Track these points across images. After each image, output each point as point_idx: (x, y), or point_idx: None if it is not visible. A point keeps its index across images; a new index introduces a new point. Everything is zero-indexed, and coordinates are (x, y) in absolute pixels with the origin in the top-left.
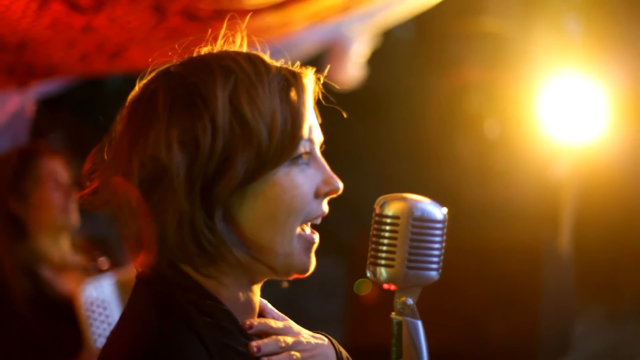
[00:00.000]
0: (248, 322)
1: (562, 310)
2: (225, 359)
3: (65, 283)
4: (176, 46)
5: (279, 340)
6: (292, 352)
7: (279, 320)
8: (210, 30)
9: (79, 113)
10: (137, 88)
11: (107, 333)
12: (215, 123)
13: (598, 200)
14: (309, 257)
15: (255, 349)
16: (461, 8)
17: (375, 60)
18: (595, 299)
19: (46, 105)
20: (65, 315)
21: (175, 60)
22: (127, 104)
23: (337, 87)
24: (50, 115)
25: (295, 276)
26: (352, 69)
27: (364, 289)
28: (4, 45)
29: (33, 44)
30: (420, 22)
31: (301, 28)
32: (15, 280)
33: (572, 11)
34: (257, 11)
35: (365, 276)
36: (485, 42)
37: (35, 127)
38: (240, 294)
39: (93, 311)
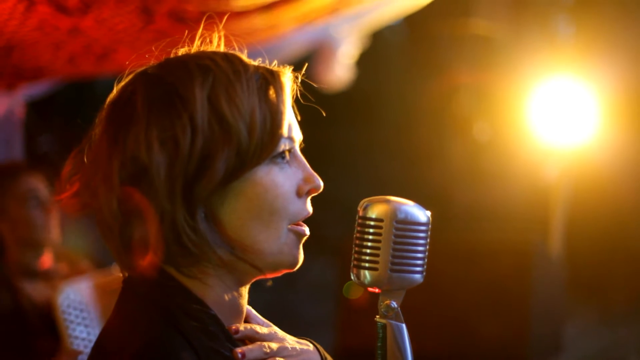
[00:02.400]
0: (234, 327)
1: (552, 312)
2: None
3: (46, 293)
4: (153, 48)
5: (263, 346)
6: (277, 358)
7: (263, 326)
8: (187, 32)
9: (68, 115)
10: (115, 90)
11: (84, 335)
12: (194, 122)
13: (589, 203)
14: (298, 251)
15: (239, 355)
16: (451, 10)
17: (366, 62)
18: (586, 301)
19: (35, 107)
20: (45, 326)
21: (153, 62)
22: (105, 106)
23: (325, 88)
24: (39, 117)
25: (283, 272)
26: (340, 70)
27: (353, 292)
28: None
29: (20, 46)
30: (411, 24)
31: (289, 30)
32: None
33: (562, 13)
34: (245, 13)
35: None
36: (476, 44)
37: (25, 130)
38: (226, 296)
39: (70, 313)
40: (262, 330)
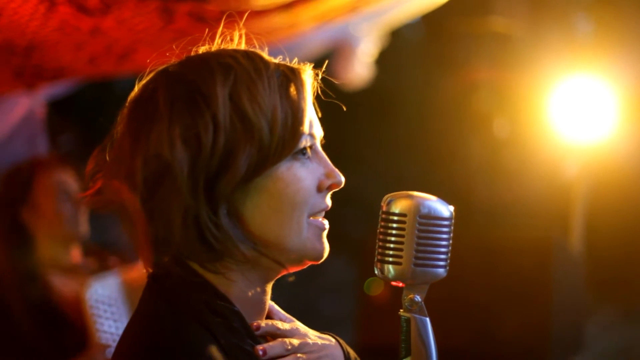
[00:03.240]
0: (255, 324)
1: (574, 309)
2: (236, 358)
3: (75, 288)
4: (174, 47)
5: (285, 343)
6: (299, 355)
7: (286, 322)
8: (207, 30)
9: (88, 115)
10: (136, 88)
11: (112, 330)
12: (217, 120)
13: (609, 199)
14: (321, 243)
15: (261, 352)
16: (470, 7)
17: (385, 60)
18: (607, 298)
19: (55, 107)
20: (74, 320)
21: (174, 60)
22: (127, 104)
23: (345, 86)
24: (60, 117)
25: (309, 264)
26: (360, 68)
27: (374, 289)
28: (12, 48)
29: (41, 46)
30: (429, 21)
31: (309, 28)
32: (22, 288)
33: (582, 11)
34: (265, 12)
35: (374, 276)
36: (495, 41)
37: (46, 129)
38: (249, 292)
39: (98, 308)
40: (283, 326)
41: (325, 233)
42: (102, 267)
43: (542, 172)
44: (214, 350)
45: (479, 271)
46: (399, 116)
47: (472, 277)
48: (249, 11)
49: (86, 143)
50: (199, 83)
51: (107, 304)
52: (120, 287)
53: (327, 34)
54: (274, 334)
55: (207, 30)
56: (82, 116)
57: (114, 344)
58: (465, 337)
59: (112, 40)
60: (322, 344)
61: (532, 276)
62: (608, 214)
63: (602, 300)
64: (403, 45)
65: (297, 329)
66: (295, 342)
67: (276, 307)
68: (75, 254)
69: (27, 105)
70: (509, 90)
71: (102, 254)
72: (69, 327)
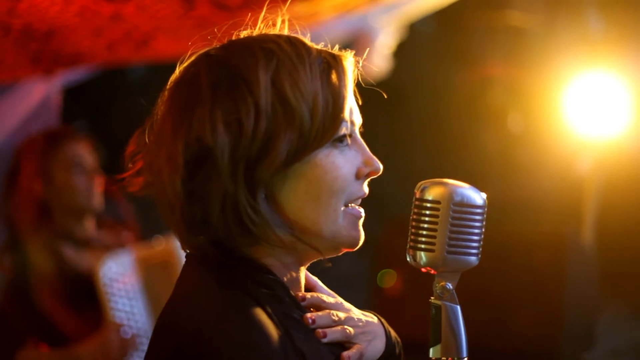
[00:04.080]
0: (301, 294)
1: (586, 304)
2: (286, 327)
3: (89, 261)
4: (209, 37)
5: (332, 314)
6: (345, 327)
7: (330, 297)
8: (250, 14)
9: (101, 102)
10: (177, 71)
11: (126, 308)
12: (259, 105)
13: (622, 195)
14: (357, 231)
15: (310, 321)
16: (486, 2)
17: (399, 53)
18: (619, 294)
19: (69, 94)
20: (87, 293)
21: (215, 44)
22: (168, 87)
23: (363, 78)
24: (74, 103)
25: (344, 251)
26: (379, 60)
27: (387, 282)
28: (31, 33)
29: (60, 32)
30: (444, 15)
31: (329, 18)
32: (38, 259)
33: (596, 6)
34: (286, 0)
35: (388, 268)
36: (509, 36)
37: (61, 115)
38: (286, 274)
39: (112, 286)
40: (328, 299)
41: (361, 221)
42: (116, 242)
43: (555, 167)
44: (263, 316)
45: (490, 266)
46: (413, 111)
47: (484, 273)
48: None
49: (98, 130)
50: (241, 68)
51: (121, 281)
52: (134, 265)
53: (347, 24)
54: (319, 306)
55: (228, 17)
56: (95, 103)
57: (128, 323)
58: (477, 331)
59: (132, 27)
60: (365, 320)
61: (545, 271)
62: (621, 209)
63: (614, 296)
64: (418, 38)
65: (341, 303)
66: (342, 315)
67: (320, 282)
68: (89, 227)
69: (44, 90)
70: (523, 85)
71: (116, 229)
72: (83, 299)
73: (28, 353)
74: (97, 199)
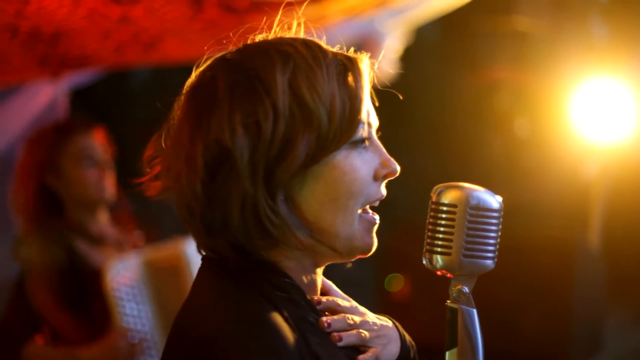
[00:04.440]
0: (317, 298)
1: (594, 309)
2: (302, 331)
3: (100, 256)
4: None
5: (347, 318)
6: (360, 331)
7: (345, 301)
8: (265, 18)
9: (104, 105)
10: (193, 75)
11: (134, 312)
12: (277, 107)
13: (628, 199)
14: (371, 238)
15: (326, 324)
16: (492, 7)
17: (406, 58)
18: (626, 299)
19: (77, 95)
20: (98, 290)
21: (231, 48)
22: (185, 90)
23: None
24: (81, 106)
25: (358, 257)
26: (386, 64)
27: (394, 286)
28: (39, 36)
29: (68, 34)
30: (451, 20)
31: (336, 22)
32: (51, 253)
33: (602, 11)
34: (296, 3)
35: (394, 272)
36: (515, 41)
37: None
38: (304, 278)
39: (120, 290)
40: (343, 303)
41: (375, 227)
42: (126, 240)
43: (561, 172)
44: (279, 320)
45: (498, 270)
46: (419, 115)
47: (492, 277)
48: (279, 2)
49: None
50: (258, 70)
51: (129, 285)
52: (143, 269)
53: (354, 28)
54: (334, 310)
55: (236, 20)
56: (98, 106)
57: (136, 327)
58: (485, 334)
59: (140, 29)
60: (380, 324)
61: (552, 275)
62: (627, 214)
63: (622, 299)
64: (425, 43)
65: (356, 307)
66: (357, 318)
67: (334, 286)
68: (103, 221)
69: (51, 93)
70: (529, 90)
71: (129, 226)
72: (92, 296)
73: (34, 348)
74: (109, 191)
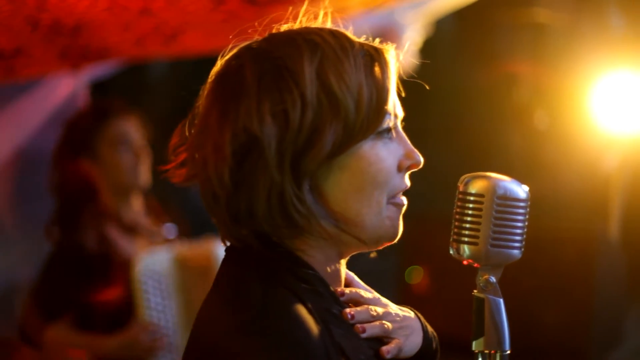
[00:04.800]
0: (340, 290)
1: (615, 302)
2: (326, 322)
3: (130, 246)
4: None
5: (370, 309)
6: (384, 322)
7: (367, 292)
8: (291, 8)
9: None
10: (219, 64)
11: (159, 307)
12: (304, 96)
13: None
14: (398, 223)
15: (349, 316)
16: None
17: (425, 50)
18: None
19: (97, 88)
20: (124, 278)
21: (256, 38)
22: (211, 79)
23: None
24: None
25: (385, 244)
26: (406, 56)
27: (415, 278)
28: (59, 28)
29: (88, 27)
30: (470, 12)
31: (356, 13)
32: (81, 237)
33: (622, 3)
34: None
35: (414, 265)
36: (535, 33)
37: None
38: (328, 267)
39: (147, 284)
40: (366, 294)
41: (403, 210)
42: (158, 231)
43: (582, 164)
44: (304, 312)
45: (520, 263)
46: (438, 108)
47: (513, 269)
48: None
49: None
50: (285, 60)
51: (156, 280)
52: (172, 265)
53: (374, 20)
54: (357, 302)
55: (257, 13)
56: (118, 98)
57: (160, 322)
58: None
59: (161, 21)
60: (403, 315)
61: (574, 267)
62: None
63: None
64: (444, 36)
65: (378, 298)
66: (380, 310)
67: (356, 278)
68: (136, 208)
69: (71, 86)
70: (549, 82)
71: (161, 217)
72: (119, 285)
73: (56, 332)
74: (144, 177)
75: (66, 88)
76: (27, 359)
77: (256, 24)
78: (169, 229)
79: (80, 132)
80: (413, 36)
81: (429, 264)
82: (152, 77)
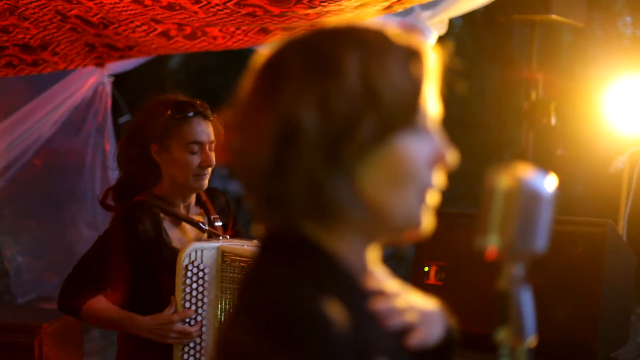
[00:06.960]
0: (365, 282)
1: (623, 300)
2: (351, 315)
3: (180, 237)
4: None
5: (394, 302)
6: (409, 313)
7: (392, 284)
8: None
9: (140, 90)
10: (265, 53)
11: (198, 297)
12: (345, 87)
13: None
14: (426, 220)
15: (375, 308)
16: (524, 2)
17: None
18: None
19: (118, 84)
20: (170, 265)
21: (305, 30)
22: (255, 68)
23: None
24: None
25: (412, 238)
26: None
27: (431, 274)
28: (87, 22)
29: (116, 21)
30: (483, 15)
31: (374, 15)
32: (137, 216)
33: (626, 12)
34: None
35: (431, 260)
36: (549, 34)
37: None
38: (354, 259)
39: (190, 271)
40: (390, 287)
41: (431, 207)
42: (206, 225)
43: (593, 165)
44: (329, 305)
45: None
46: (450, 109)
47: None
48: None
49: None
50: (328, 51)
51: (200, 272)
52: (217, 257)
53: (393, 20)
54: (382, 294)
55: (280, 8)
56: (135, 91)
57: (195, 312)
58: None
59: (186, 16)
60: (426, 306)
61: (583, 266)
62: None
63: None
64: (457, 37)
65: (402, 291)
66: (403, 302)
67: (381, 269)
68: (190, 203)
69: (97, 78)
70: (563, 85)
71: (211, 211)
72: (164, 271)
73: (96, 304)
74: (205, 183)
75: (92, 81)
76: (49, 352)
77: (304, 21)
78: (217, 226)
79: (160, 120)
80: (431, 36)
81: (445, 259)
82: (167, 70)
